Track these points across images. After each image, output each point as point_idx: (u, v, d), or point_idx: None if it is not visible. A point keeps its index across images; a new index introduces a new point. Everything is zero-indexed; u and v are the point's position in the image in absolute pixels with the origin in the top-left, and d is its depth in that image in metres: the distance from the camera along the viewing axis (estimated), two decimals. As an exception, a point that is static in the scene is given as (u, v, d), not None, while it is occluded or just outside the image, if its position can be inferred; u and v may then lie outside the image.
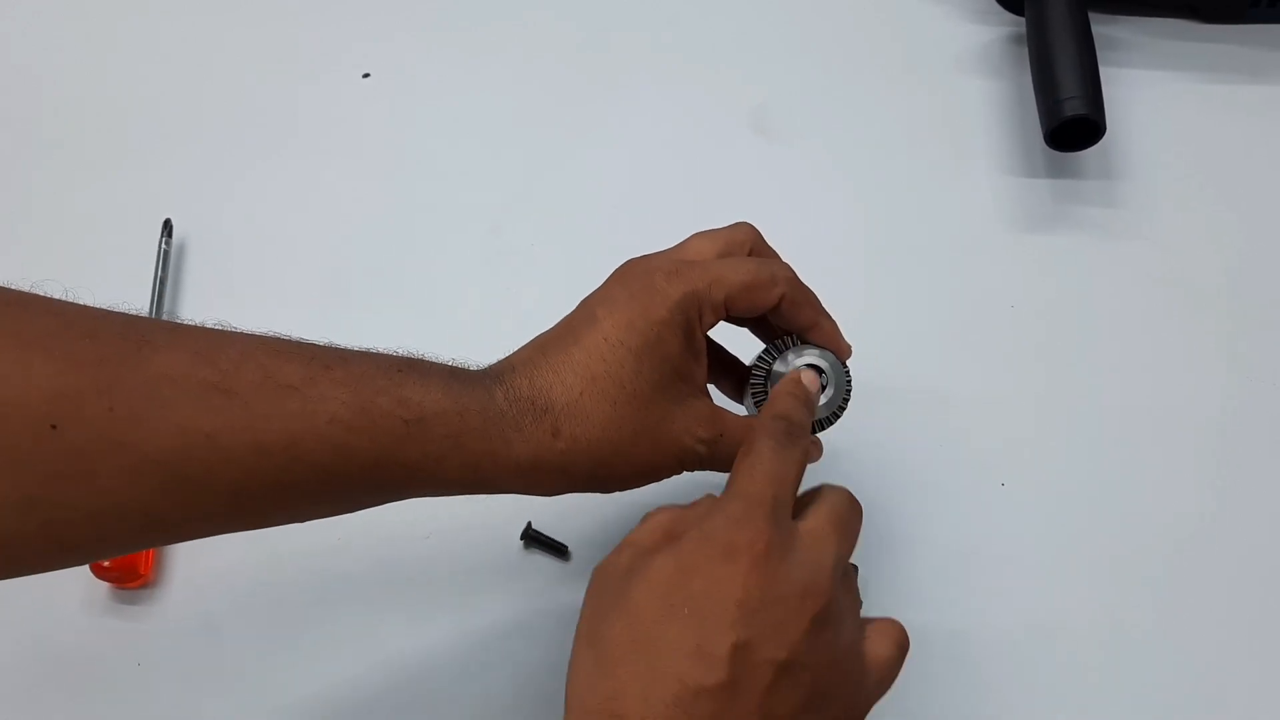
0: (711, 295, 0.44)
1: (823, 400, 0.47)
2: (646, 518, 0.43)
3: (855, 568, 0.44)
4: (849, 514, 0.43)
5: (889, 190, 0.67)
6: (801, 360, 0.47)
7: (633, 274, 0.45)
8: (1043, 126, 0.63)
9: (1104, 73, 0.64)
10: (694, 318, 0.44)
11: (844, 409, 0.48)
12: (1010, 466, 0.58)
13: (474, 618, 0.55)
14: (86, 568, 0.54)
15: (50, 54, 0.74)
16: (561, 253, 0.65)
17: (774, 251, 0.49)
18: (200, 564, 0.56)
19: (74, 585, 0.55)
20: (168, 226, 0.65)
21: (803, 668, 0.38)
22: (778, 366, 0.47)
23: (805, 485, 0.44)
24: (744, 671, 0.37)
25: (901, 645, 0.43)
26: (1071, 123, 0.62)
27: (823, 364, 0.47)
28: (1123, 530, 0.56)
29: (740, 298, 0.44)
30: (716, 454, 0.45)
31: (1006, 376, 0.60)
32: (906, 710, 0.48)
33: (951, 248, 0.64)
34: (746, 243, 0.47)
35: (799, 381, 0.45)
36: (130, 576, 0.55)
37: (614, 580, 0.40)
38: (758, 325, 0.49)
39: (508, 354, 0.45)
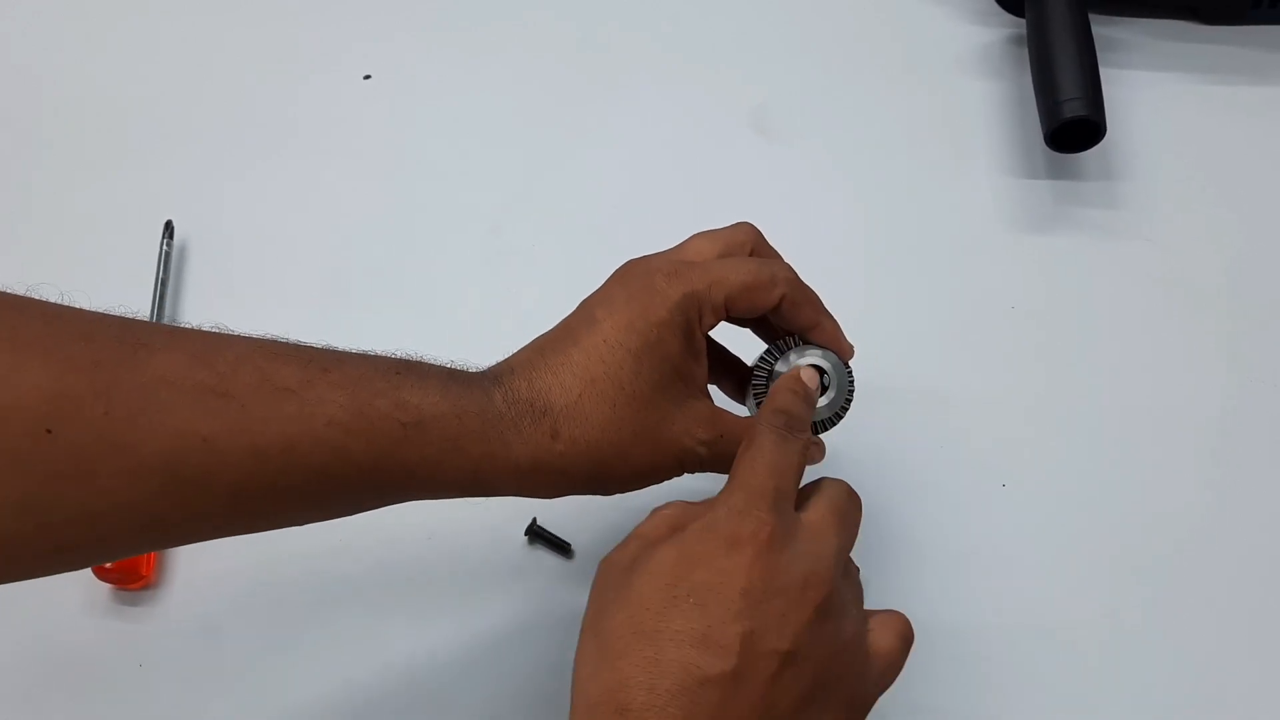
0: (711, 296, 0.44)
1: (825, 401, 0.47)
2: (654, 512, 0.43)
3: (856, 567, 0.44)
4: (849, 506, 0.43)
5: (889, 191, 0.67)
6: (804, 360, 0.47)
7: (632, 275, 0.45)
8: (1043, 128, 0.63)
9: (1104, 74, 0.64)
10: (694, 318, 0.44)
11: (846, 409, 0.48)
12: (1011, 467, 0.58)
13: (476, 618, 0.55)
14: (88, 569, 0.54)
15: (50, 54, 0.74)
16: (561, 253, 0.65)
17: (775, 251, 0.49)
18: (202, 565, 0.56)
19: (76, 587, 0.55)
20: (169, 228, 0.65)
21: (806, 658, 0.38)
22: (779, 367, 0.47)
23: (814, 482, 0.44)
24: (748, 661, 0.37)
25: (905, 637, 0.42)
26: (1072, 124, 0.62)
27: (825, 364, 0.47)
28: (1124, 530, 0.56)
29: (740, 298, 0.44)
30: (717, 455, 0.45)
31: (1007, 377, 0.60)
32: (909, 707, 0.48)
33: (952, 248, 0.64)
34: (747, 243, 0.47)
35: (798, 378, 0.45)
36: (132, 578, 0.55)
37: (619, 571, 0.40)
38: (759, 326, 0.49)
39: (507, 355, 0.45)
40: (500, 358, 0.45)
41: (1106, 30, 0.70)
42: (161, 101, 0.71)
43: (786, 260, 0.48)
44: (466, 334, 0.59)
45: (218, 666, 0.54)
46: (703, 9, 0.74)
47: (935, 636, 0.46)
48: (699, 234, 0.47)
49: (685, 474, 0.46)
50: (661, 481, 0.46)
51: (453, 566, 0.56)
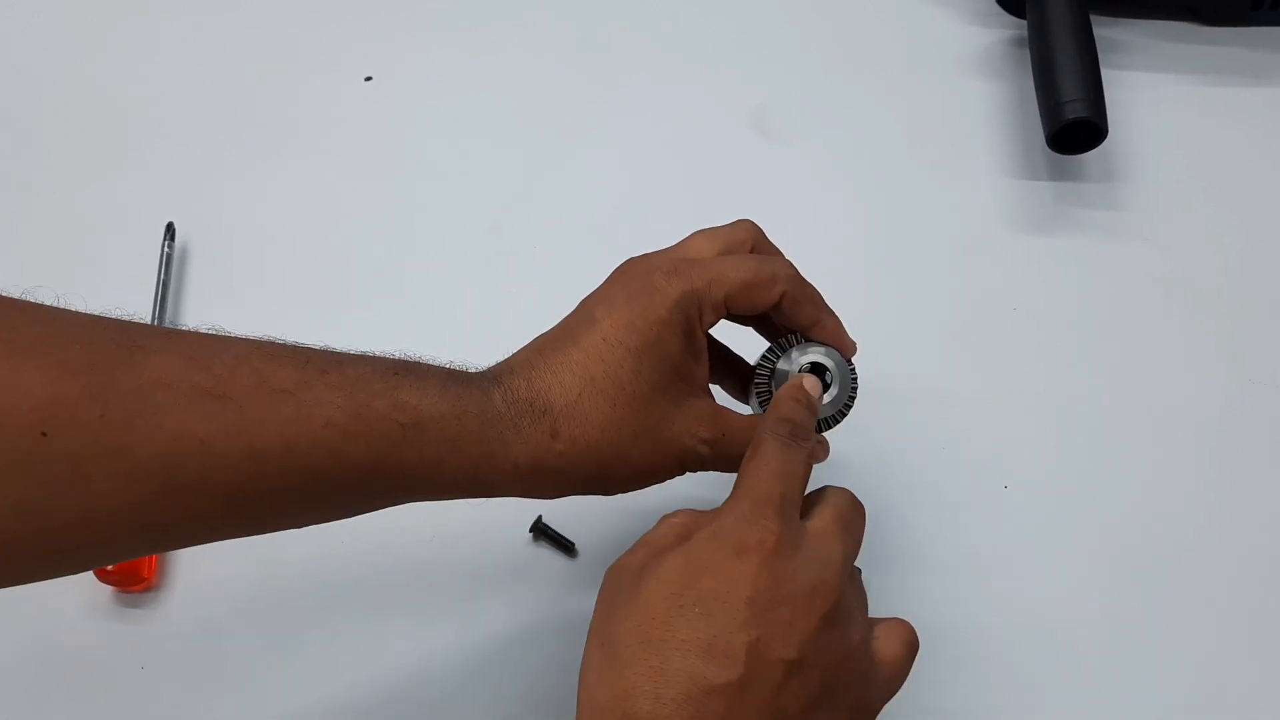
0: (711, 294, 0.44)
1: (828, 399, 0.47)
2: (663, 519, 0.42)
3: (859, 570, 0.44)
4: (853, 513, 0.43)
5: (890, 192, 0.67)
6: (806, 358, 0.47)
7: (632, 274, 0.45)
8: (1044, 129, 0.63)
9: (1105, 75, 0.64)
10: (694, 317, 0.44)
11: (850, 407, 0.47)
12: (1013, 468, 0.58)
13: (478, 620, 0.55)
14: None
15: (50, 54, 0.74)
16: (561, 253, 0.65)
17: (776, 249, 0.49)
18: (203, 567, 0.56)
19: (77, 589, 0.55)
20: (170, 229, 0.65)
21: (812, 666, 0.38)
22: (781, 365, 0.47)
23: (809, 488, 0.44)
24: (754, 670, 0.37)
25: (911, 645, 0.42)
26: (1073, 125, 0.62)
27: (827, 362, 0.47)
28: (1125, 531, 0.56)
29: (740, 296, 0.44)
30: (719, 454, 0.45)
31: (1008, 378, 0.60)
32: (911, 708, 0.48)
33: (953, 250, 0.64)
34: (748, 240, 0.47)
35: (801, 387, 0.45)
36: (133, 580, 0.55)
37: (627, 579, 0.40)
38: (761, 323, 0.49)
39: (507, 356, 0.45)
40: (500, 358, 0.45)
41: (1107, 32, 0.70)
42: (162, 102, 0.71)
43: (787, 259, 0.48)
44: (466, 334, 0.59)
45: (219, 668, 0.54)
46: (703, 9, 0.74)
47: (937, 637, 0.46)
48: (699, 232, 0.47)
49: (687, 474, 0.46)
50: (662, 481, 0.46)
51: (454, 568, 0.56)
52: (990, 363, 0.61)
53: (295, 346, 0.41)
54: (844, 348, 0.47)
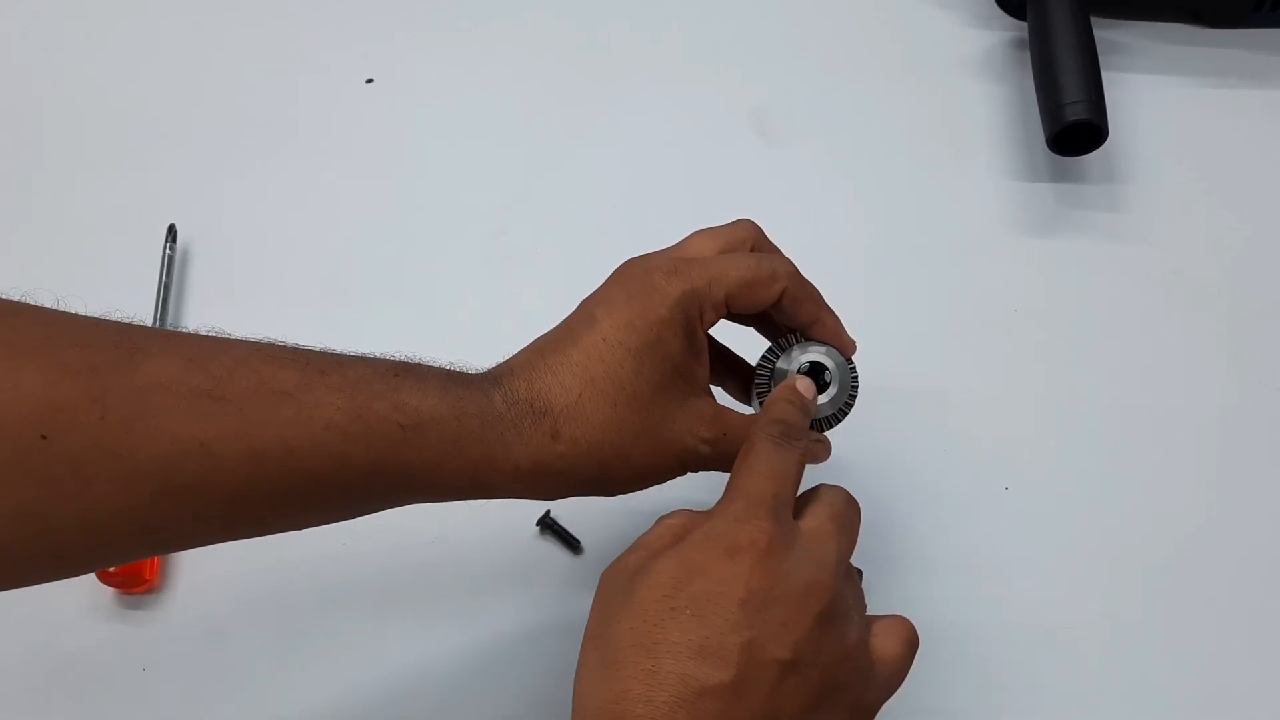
0: (712, 293, 0.44)
1: (827, 397, 0.47)
2: (660, 520, 0.42)
3: (860, 571, 0.44)
4: (848, 511, 0.43)
5: (891, 193, 0.67)
6: (806, 357, 0.47)
7: (631, 274, 0.45)
8: (1045, 131, 0.63)
9: (1105, 77, 0.64)
10: (694, 316, 0.44)
11: (850, 406, 0.47)
12: (1014, 470, 0.58)
13: (481, 622, 0.55)
14: (91, 572, 0.54)
15: (51, 54, 0.74)
16: (562, 253, 0.65)
17: (776, 247, 0.48)
18: (205, 569, 0.56)
19: (79, 590, 0.55)
20: (172, 232, 0.65)
21: (809, 666, 0.38)
22: (781, 364, 0.47)
23: (803, 488, 0.43)
24: (748, 671, 0.37)
25: (910, 643, 0.42)
26: (1074, 127, 0.62)
27: (827, 361, 0.47)
28: (1126, 531, 0.56)
29: (741, 294, 0.44)
30: (720, 454, 0.45)
31: (1009, 379, 0.60)
32: (912, 709, 0.48)
33: (954, 251, 0.64)
34: (748, 240, 0.47)
35: (794, 388, 0.45)
36: (135, 581, 0.55)
37: (621, 581, 0.40)
38: (762, 323, 0.49)
39: (507, 357, 0.45)
40: (500, 359, 0.45)
41: (1108, 33, 0.70)
42: (163, 103, 0.71)
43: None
44: (467, 335, 0.59)
45: (221, 670, 0.54)
46: (704, 10, 0.74)
47: (938, 638, 0.46)
48: (699, 231, 0.47)
49: (688, 474, 0.46)
50: (664, 482, 0.45)
51: (457, 569, 0.56)
52: (991, 364, 0.61)
53: (295, 348, 0.41)
54: (844, 346, 0.47)
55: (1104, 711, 0.52)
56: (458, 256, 0.65)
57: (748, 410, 0.48)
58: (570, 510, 0.56)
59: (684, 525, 0.41)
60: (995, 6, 0.70)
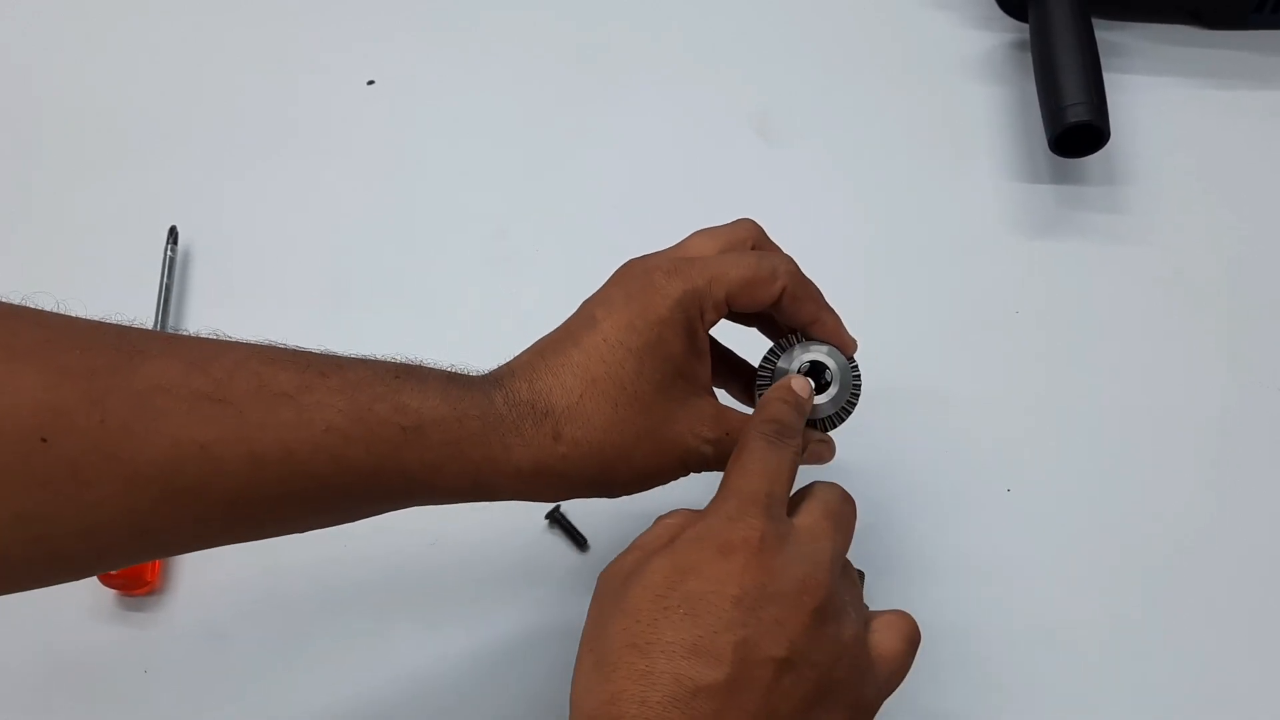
0: (712, 292, 0.44)
1: (828, 397, 0.46)
2: (657, 520, 0.42)
3: (861, 573, 0.44)
4: (843, 508, 0.43)
5: (893, 194, 0.67)
6: (807, 356, 0.47)
7: (631, 274, 0.45)
8: (1047, 132, 0.63)
9: (1107, 78, 0.64)
10: (695, 316, 0.44)
11: (853, 406, 0.47)
12: (1015, 471, 0.58)
13: (484, 625, 0.55)
14: (91, 574, 0.54)
15: (53, 56, 0.74)
16: (562, 254, 0.65)
17: (776, 246, 0.48)
18: (207, 571, 0.56)
19: (81, 592, 0.55)
20: (173, 233, 0.65)
21: (804, 663, 0.37)
22: (782, 364, 0.47)
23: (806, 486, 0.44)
24: (743, 670, 0.36)
25: (911, 639, 0.42)
26: (1076, 129, 0.62)
27: (828, 361, 0.46)
28: (1126, 532, 0.56)
29: (741, 293, 0.44)
30: (722, 454, 0.44)
31: (1010, 380, 0.60)
32: (914, 711, 0.48)
33: (955, 252, 0.64)
34: (748, 239, 0.47)
35: (789, 387, 0.45)
36: (137, 583, 0.55)
37: (617, 582, 0.40)
38: (764, 324, 0.49)
39: (508, 358, 0.45)
40: (501, 360, 0.45)
41: (1109, 35, 0.70)
42: (163, 105, 0.71)
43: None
44: (468, 336, 0.59)
45: (223, 672, 0.54)
46: (704, 11, 0.74)
47: (939, 639, 0.46)
48: (699, 231, 0.47)
49: (691, 474, 0.46)
50: (667, 483, 0.45)
51: (459, 571, 0.56)
52: (992, 365, 0.61)
53: (295, 350, 0.41)
54: (843, 345, 0.47)
55: (1104, 712, 0.52)
56: (458, 257, 0.65)
57: (751, 412, 0.48)
58: (579, 508, 0.56)
59: (680, 525, 0.41)
60: (996, 8, 0.70)
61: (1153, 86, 0.69)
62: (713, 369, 0.46)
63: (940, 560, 0.56)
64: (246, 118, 0.71)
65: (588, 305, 0.45)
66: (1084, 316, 0.62)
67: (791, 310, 0.46)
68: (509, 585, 0.56)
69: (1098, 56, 0.64)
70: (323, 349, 0.42)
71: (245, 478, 0.38)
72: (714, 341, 0.47)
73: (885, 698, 0.41)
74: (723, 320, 0.46)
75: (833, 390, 0.47)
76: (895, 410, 0.58)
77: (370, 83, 0.72)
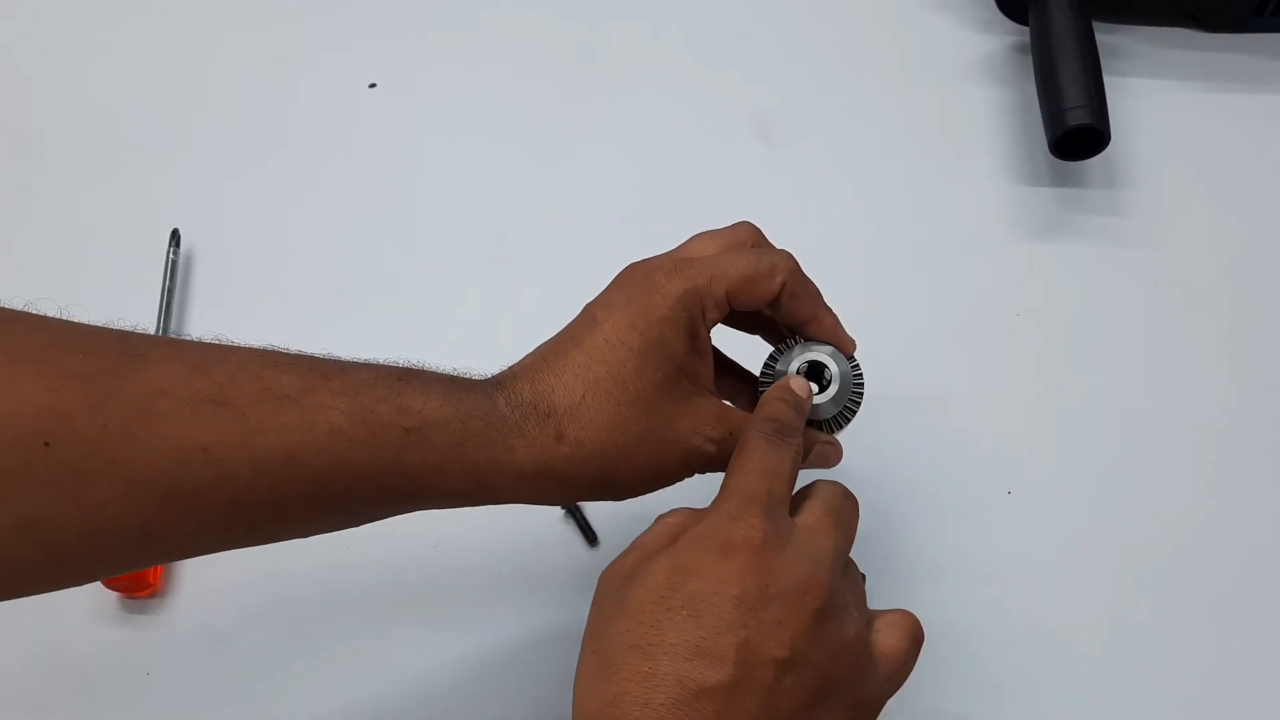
0: (713, 290, 0.44)
1: (828, 397, 0.46)
2: (658, 519, 0.42)
3: (863, 575, 0.44)
4: (844, 506, 0.43)
5: (893, 197, 0.67)
6: (806, 357, 0.47)
7: (632, 276, 0.45)
8: (1047, 135, 0.63)
9: (1107, 81, 0.64)
10: (697, 314, 0.44)
11: (857, 408, 0.47)
12: (1016, 473, 0.58)
13: (486, 628, 0.55)
14: (93, 576, 0.54)
15: (53, 58, 0.74)
16: (563, 256, 0.65)
17: (775, 248, 0.48)
18: (209, 574, 0.56)
19: (83, 595, 0.55)
20: (175, 237, 0.65)
21: (806, 664, 0.37)
22: (782, 366, 0.47)
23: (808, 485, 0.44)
24: (745, 671, 0.36)
25: (914, 637, 0.42)
26: (1076, 132, 0.62)
27: (828, 361, 0.46)
28: (1127, 534, 0.56)
29: (742, 290, 0.44)
30: (726, 453, 0.44)
31: (1011, 383, 0.60)
32: (916, 712, 0.48)
33: (956, 255, 0.64)
34: (748, 241, 0.47)
35: (788, 387, 0.45)
36: (139, 586, 0.55)
37: (618, 583, 0.40)
38: (766, 329, 0.49)
39: (510, 360, 0.45)
40: (503, 362, 0.45)
41: (1109, 38, 0.70)
42: (164, 107, 0.71)
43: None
44: (469, 337, 0.59)
45: (225, 675, 0.54)
46: (705, 13, 0.74)
47: (940, 640, 0.46)
48: (700, 234, 0.47)
49: (694, 475, 0.46)
50: (671, 484, 0.45)
51: (461, 574, 0.56)
52: (993, 367, 0.61)
53: (298, 354, 0.41)
54: (842, 344, 0.47)
55: (1104, 712, 0.53)
56: (459, 259, 0.65)
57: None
58: (592, 506, 0.57)
59: (680, 524, 0.41)
60: (997, 10, 0.70)
61: (1153, 89, 0.69)
62: (719, 382, 0.46)
63: (940, 561, 0.56)
64: (248, 120, 0.71)
65: (589, 308, 0.45)
66: (1084, 318, 0.62)
67: (790, 307, 0.46)
68: (511, 589, 0.56)
69: (1098, 59, 0.64)
70: (325, 352, 0.42)
71: (247, 481, 0.38)
72: (719, 353, 0.47)
73: (888, 696, 0.41)
74: (725, 328, 0.46)
75: (833, 390, 0.46)
76: (896, 412, 0.58)
77: (372, 86, 0.72)
